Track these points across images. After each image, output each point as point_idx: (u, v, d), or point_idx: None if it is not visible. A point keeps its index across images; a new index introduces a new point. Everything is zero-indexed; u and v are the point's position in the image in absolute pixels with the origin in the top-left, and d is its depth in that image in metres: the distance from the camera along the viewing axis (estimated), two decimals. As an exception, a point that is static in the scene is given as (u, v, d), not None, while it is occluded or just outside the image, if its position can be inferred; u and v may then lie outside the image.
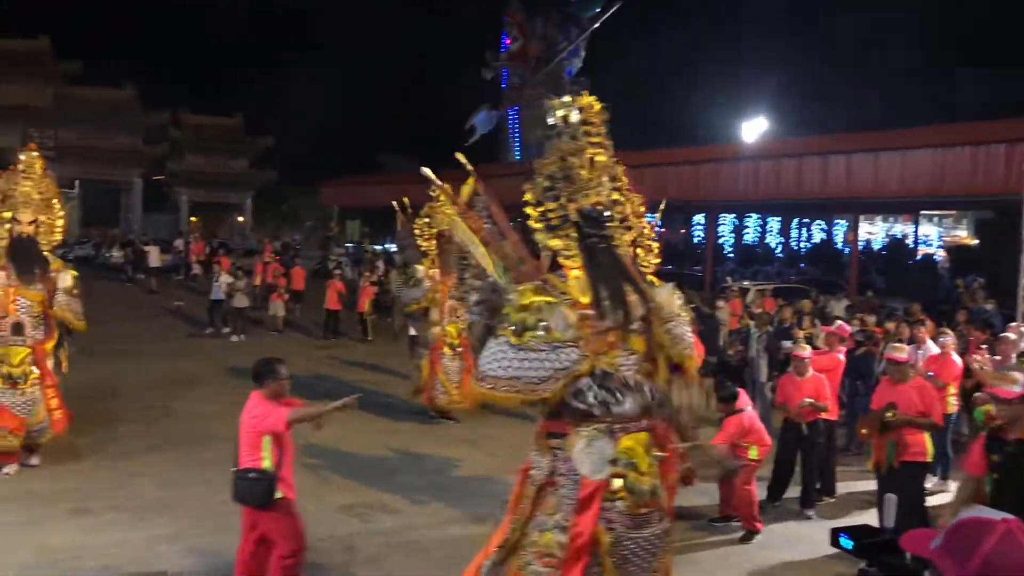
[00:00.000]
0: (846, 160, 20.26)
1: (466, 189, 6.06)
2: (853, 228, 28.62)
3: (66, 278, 9.55)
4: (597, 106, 5.28)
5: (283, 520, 5.99)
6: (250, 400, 6.18)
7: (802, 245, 48.54)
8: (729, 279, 24.21)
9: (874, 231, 46.13)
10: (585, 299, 4.91)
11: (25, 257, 9.28)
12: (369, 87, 58.07)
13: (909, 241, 40.31)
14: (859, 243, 29.50)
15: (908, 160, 18.94)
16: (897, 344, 9.06)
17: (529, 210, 5.21)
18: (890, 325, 13.61)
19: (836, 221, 46.69)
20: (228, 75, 57.06)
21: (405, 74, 57.56)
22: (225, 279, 20.64)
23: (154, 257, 31.49)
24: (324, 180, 48.23)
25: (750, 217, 46.68)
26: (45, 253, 9.55)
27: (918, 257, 37.10)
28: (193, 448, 10.54)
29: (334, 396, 13.00)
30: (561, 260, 5.14)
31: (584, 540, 4.68)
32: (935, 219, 43.99)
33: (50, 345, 9.46)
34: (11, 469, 9.13)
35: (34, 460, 9.41)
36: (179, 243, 36.26)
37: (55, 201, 9.71)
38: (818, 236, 49.29)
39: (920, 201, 27.04)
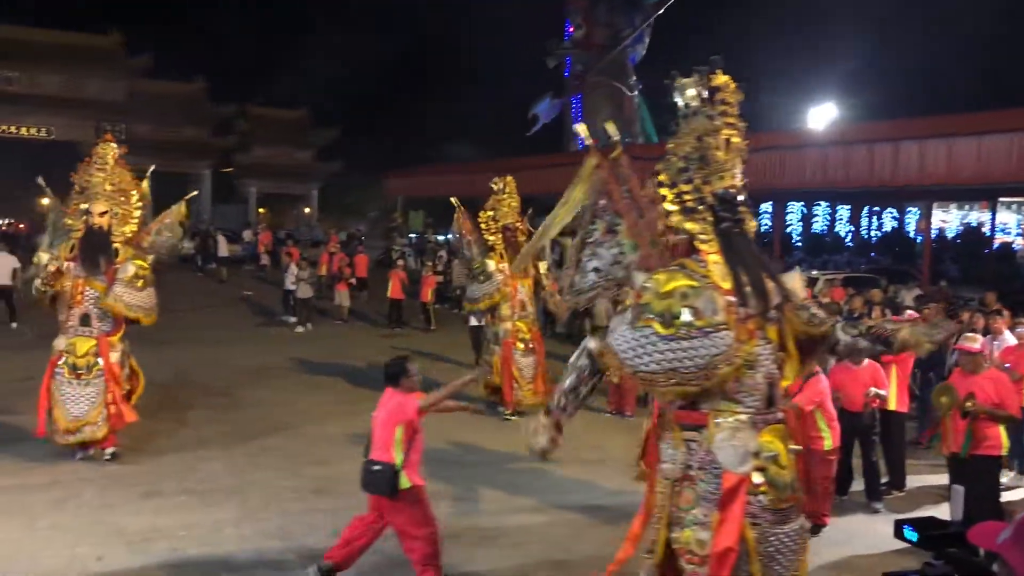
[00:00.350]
0: (919, 146, 19.69)
1: (589, 163, 5.81)
2: (926, 216, 27.83)
3: (127, 268, 9.34)
4: (732, 85, 5.12)
5: (408, 510, 6.19)
6: (384, 395, 6.43)
7: (873, 234, 47.48)
8: (799, 268, 23.79)
9: (948, 219, 44.90)
10: (726, 285, 4.79)
11: (94, 248, 9.30)
12: (432, 77, 58.35)
13: (986, 229, 39.10)
14: (932, 231, 28.67)
15: (984, 145, 18.33)
16: (970, 334, 8.77)
17: (663, 191, 5.09)
18: (964, 315, 13.22)
19: (908, 209, 45.57)
20: (294, 67, 57.88)
21: (468, 63, 57.66)
22: (293, 269, 20.96)
23: (223, 247, 32.16)
24: (388, 171, 48.65)
25: (819, 205, 45.83)
26: (117, 244, 9.49)
27: (995, 246, 35.96)
28: (260, 435, 10.75)
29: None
30: (697, 244, 4.99)
31: (733, 537, 4.55)
32: (1013, 206, 42.60)
33: (116, 337, 9.46)
34: (83, 455, 9.32)
35: (107, 452, 9.42)
36: (247, 234, 36.93)
37: (132, 191, 9.68)
38: (889, 224, 48.17)
39: (997, 187, 26.18)
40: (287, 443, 10.43)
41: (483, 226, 12.56)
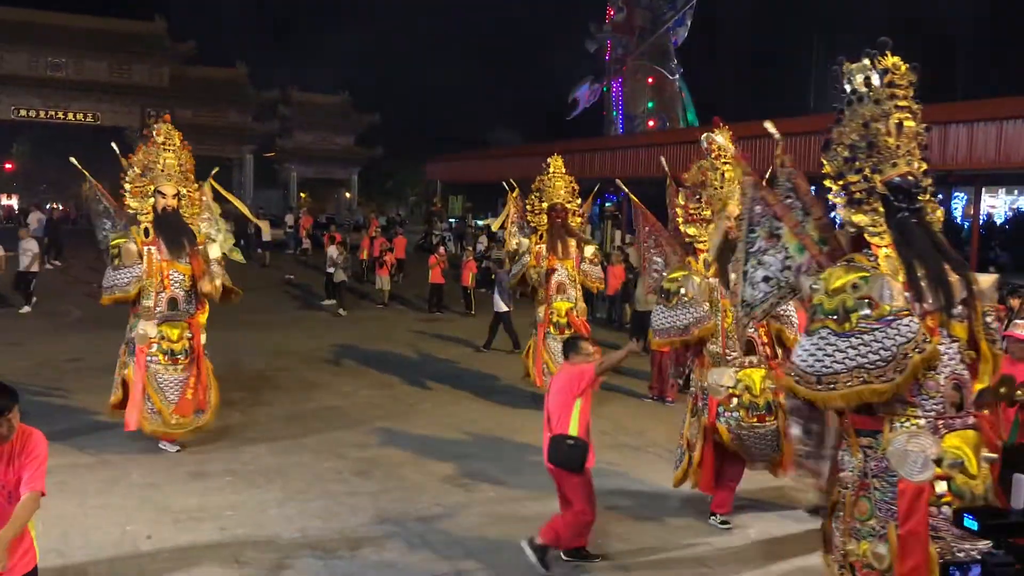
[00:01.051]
0: (968, 129, 19.29)
1: (739, 172, 6.09)
2: (975, 201, 27.31)
3: (215, 248, 9.36)
4: (904, 67, 4.83)
5: (584, 487, 6.56)
6: (560, 370, 6.97)
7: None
8: (991, 269, 23.48)
9: (996, 204, 44.00)
10: (899, 279, 4.52)
11: (174, 230, 9.09)
12: (472, 61, 58.26)
13: (1035, 214, 38.25)
14: (980, 217, 28.13)
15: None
16: (1019, 321, 8.59)
17: (828, 183, 4.88)
18: (1014, 302, 12.94)
19: (955, 194, 44.71)
20: (336, 52, 58.09)
21: (508, 47, 57.50)
22: (332, 252, 21.10)
23: (266, 232, 32.38)
24: (428, 156, 48.72)
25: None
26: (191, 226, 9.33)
27: (1044, 231, 35.17)
28: (302, 418, 10.87)
29: (439, 376, 13.15)
30: (868, 238, 4.75)
31: (920, 554, 4.28)
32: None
33: (203, 318, 9.41)
34: (170, 447, 9.18)
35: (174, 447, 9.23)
36: (289, 218, 37.18)
37: (192, 174, 9.47)
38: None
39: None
40: (329, 426, 10.53)
41: (528, 207, 12.27)
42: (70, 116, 43.92)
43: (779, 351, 7.56)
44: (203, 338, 9.40)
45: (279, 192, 52.23)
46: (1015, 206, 43.75)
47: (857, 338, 4.37)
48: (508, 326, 16.23)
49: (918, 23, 40.06)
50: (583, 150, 34.38)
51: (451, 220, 44.49)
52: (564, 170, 12.25)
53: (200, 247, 9.23)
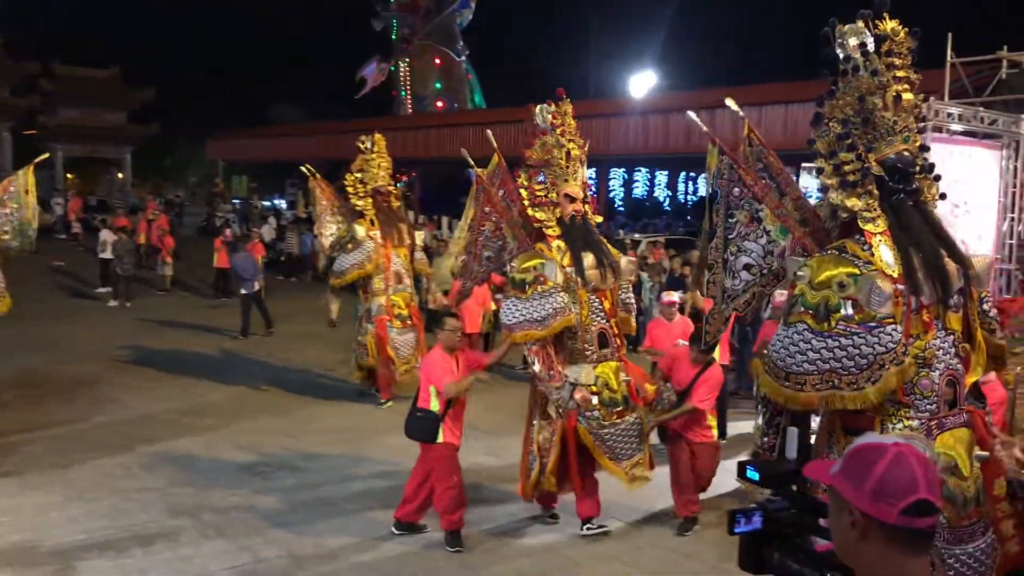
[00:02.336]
0: (732, 113, 20.73)
1: (712, 153, 5.28)
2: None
3: None
4: (903, 32, 4.38)
5: (442, 460, 6.71)
6: (432, 350, 7.02)
7: (689, 198, 49.64)
8: (621, 232, 24.63)
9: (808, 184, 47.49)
10: (894, 271, 4.17)
11: None
12: (256, 37, 56.20)
13: (793, 192, 41.69)
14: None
15: (791, 113, 19.54)
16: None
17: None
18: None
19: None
20: (105, 24, 54.36)
21: (293, 24, 55.85)
22: (103, 236, 19.83)
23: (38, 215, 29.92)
24: (209, 134, 46.67)
25: (639, 171, 47.44)
26: None
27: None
28: (83, 414, 10.27)
29: (228, 364, 12.75)
30: (861, 224, 4.30)
31: None
32: (813, 172, 45.58)
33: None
34: None
35: None
36: (58, 201, 34.48)
37: None
38: (704, 189, 50.48)
39: (802, 153, 27.93)
40: (113, 421, 10.00)
41: (349, 190, 11.30)
42: None
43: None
44: None
45: (44, 173, 48.39)
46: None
47: (834, 340, 4.06)
48: (261, 306, 15.93)
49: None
50: (372, 129, 34.13)
51: (235, 201, 42.90)
52: (387, 150, 11.48)
53: None
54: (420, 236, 11.68)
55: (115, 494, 7.64)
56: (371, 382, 11.33)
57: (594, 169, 33.19)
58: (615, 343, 7.25)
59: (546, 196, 7.18)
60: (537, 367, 6.86)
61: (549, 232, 7.15)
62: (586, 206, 7.31)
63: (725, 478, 7.57)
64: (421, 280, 12.16)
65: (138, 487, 7.85)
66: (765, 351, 4.44)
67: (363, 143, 11.42)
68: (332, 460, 8.80)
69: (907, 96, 4.34)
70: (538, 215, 7.17)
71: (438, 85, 46.71)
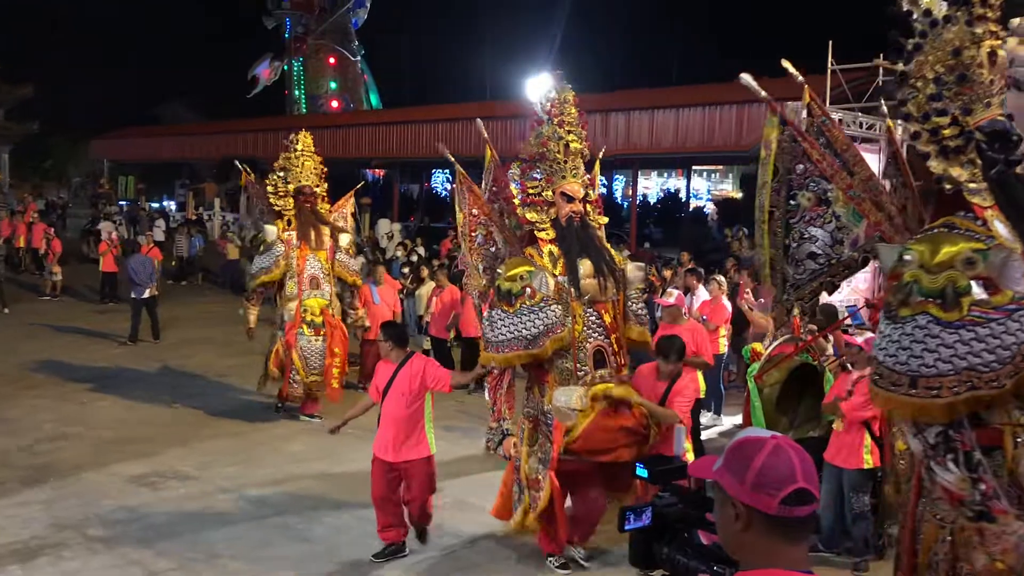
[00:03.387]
0: (625, 117, 21.17)
1: (772, 123, 4.72)
2: (632, 183, 30.00)
3: None
4: None
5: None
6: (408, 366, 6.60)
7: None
8: (518, 233, 24.78)
9: (650, 185, 48.47)
10: (1017, 247, 3.60)
11: None
12: (145, 33, 54.42)
13: (682, 195, 42.72)
14: (637, 197, 31.00)
15: (682, 117, 20.06)
16: (670, 289, 9.78)
17: (914, 126, 3.82)
18: (667, 273, 14.50)
19: (616, 176, 48.73)
20: (-25, 16, 51.69)
21: (183, 20, 54.24)
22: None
23: None
24: (93, 133, 44.95)
25: (537, 172, 47.85)
26: None
27: (690, 209, 39.40)
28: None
29: (117, 371, 12.33)
30: (968, 196, 3.73)
31: None
32: (704, 174, 46.80)
33: None
34: None
35: None
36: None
37: None
38: (599, 190, 51.20)
39: (692, 156, 28.69)
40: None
41: (270, 189, 10.81)
42: None
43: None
44: None
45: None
46: (665, 187, 48.45)
47: (969, 330, 3.40)
48: (152, 312, 15.49)
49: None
50: (264, 129, 33.48)
51: (121, 203, 41.42)
52: (313, 148, 11.00)
53: None
54: (346, 240, 11.04)
55: (-7, 510, 7.30)
56: (281, 395, 10.67)
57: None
58: (615, 362, 6.29)
59: (539, 195, 6.33)
60: (486, 394, 6.54)
61: (542, 235, 6.34)
62: (588, 206, 6.53)
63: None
64: (347, 288, 11.35)
65: (18, 502, 7.51)
66: (871, 360, 3.80)
67: (290, 141, 10.97)
68: (224, 469, 8.61)
69: (1000, 52, 3.77)
70: (529, 215, 6.35)
71: (333, 85, 46.19)
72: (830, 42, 12.85)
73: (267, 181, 10.86)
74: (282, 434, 9.86)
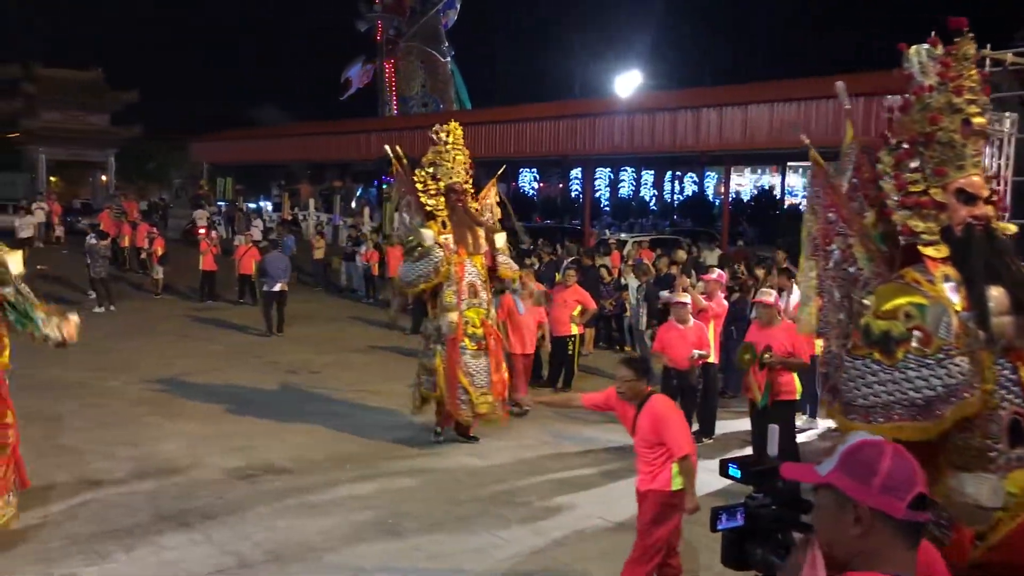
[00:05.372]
0: (718, 113, 20.84)
1: (815, 170, 4.60)
2: (724, 180, 29.51)
3: None
4: (973, 52, 4.14)
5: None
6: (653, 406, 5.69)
7: (675, 197, 49.80)
8: (608, 232, 24.69)
9: (742, 183, 47.67)
10: (957, 305, 3.89)
11: None
12: (240, 38, 56.08)
13: (776, 192, 41.88)
14: (729, 194, 30.49)
15: (776, 113, 19.63)
16: (766, 289, 9.54)
17: (885, 180, 4.17)
18: (760, 272, 14.20)
19: (707, 173, 48.08)
20: (86, 25, 54.09)
21: (278, 25, 55.73)
22: (91, 241, 19.71)
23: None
24: (193, 135, 46.53)
25: (625, 171, 47.56)
26: None
27: (785, 207, 38.59)
28: (60, 418, 10.18)
29: (215, 367, 12.68)
30: (921, 248, 4.06)
31: None
32: (800, 170, 45.79)
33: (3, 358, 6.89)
34: None
35: None
36: (41, 205, 34.24)
37: None
38: (690, 188, 50.66)
39: (787, 153, 28.08)
40: (102, 425, 9.91)
41: (419, 187, 9.68)
42: None
43: None
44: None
45: (25, 176, 48.11)
46: (759, 184, 47.57)
47: (901, 372, 3.83)
48: (281, 308, 16.04)
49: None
50: (357, 131, 34.05)
51: (220, 203, 42.78)
52: (463, 142, 9.92)
53: None
54: (501, 240, 9.94)
55: (99, 499, 7.58)
56: (441, 417, 9.63)
57: (580, 168, 32.83)
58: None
59: (925, 193, 4.25)
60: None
61: (929, 252, 4.18)
62: (988, 208, 4.25)
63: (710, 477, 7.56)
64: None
65: (124, 491, 7.79)
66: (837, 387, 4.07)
67: (436, 133, 9.87)
68: (318, 463, 8.77)
69: (978, 120, 4.07)
70: (912, 223, 4.25)
71: (423, 86, 46.70)
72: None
73: (415, 178, 9.76)
74: (371, 428, 9.99)
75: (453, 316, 9.32)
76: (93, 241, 19.22)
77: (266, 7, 55.63)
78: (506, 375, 9.73)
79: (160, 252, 21.42)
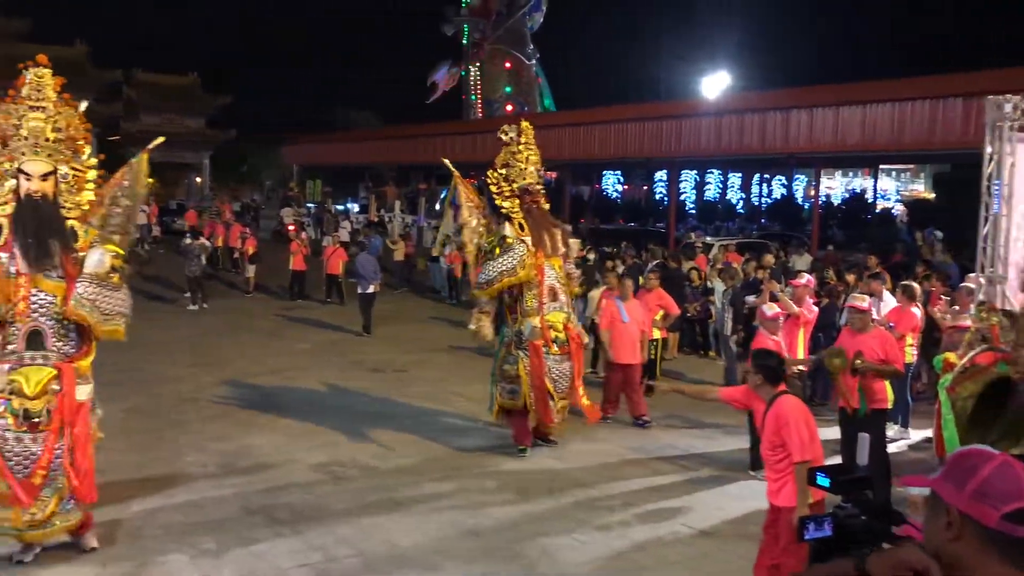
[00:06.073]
0: (808, 114, 20.40)
1: None
2: (815, 182, 28.86)
3: (99, 258, 6.19)
4: None
5: None
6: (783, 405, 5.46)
7: (763, 200, 48.94)
8: (693, 235, 24.40)
9: (833, 186, 46.57)
10: None
11: (40, 228, 6.12)
12: (330, 43, 57.21)
13: (868, 195, 40.81)
14: (820, 198, 29.80)
15: (869, 114, 19.12)
16: (858, 294, 9.24)
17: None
18: (850, 277, 13.84)
19: (796, 176, 47.14)
20: (184, 31, 55.90)
21: (365, 30, 56.71)
22: (185, 240, 20.38)
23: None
24: (284, 138, 47.68)
25: (711, 173, 46.95)
26: (72, 221, 6.36)
27: (877, 211, 37.60)
28: (157, 413, 10.54)
29: (302, 365, 12.89)
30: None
31: None
32: (893, 173, 44.54)
33: (85, 363, 6.35)
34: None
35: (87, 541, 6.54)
36: (143, 207, 35.59)
37: (82, 142, 6.52)
38: (778, 191, 49.73)
39: (879, 155, 27.35)
40: (187, 419, 10.24)
41: (492, 189, 9.50)
42: None
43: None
44: (85, 391, 6.32)
45: (125, 177, 49.95)
46: (850, 187, 46.40)
47: None
48: (369, 309, 16.40)
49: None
50: (442, 133, 34.39)
51: (309, 205, 43.73)
52: (535, 141, 9.66)
53: (79, 253, 6.24)
54: (576, 245, 9.70)
55: (190, 491, 7.82)
56: (518, 431, 9.27)
57: (665, 171, 32.60)
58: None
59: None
60: None
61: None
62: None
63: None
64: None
65: (214, 485, 8.02)
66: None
67: (506, 132, 9.60)
68: (401, 461, 8.88)
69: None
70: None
71: (508, 89, 46.93)
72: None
73: (489, 180, 9.54)
74: (454, 429, 10.07)
75: (535, 321, 9.06)
76: (188, 241, 19.91)
77: (355, 13, 56.63)
78: (581, 383, 9.37)
79: (251, 251, 21.97)
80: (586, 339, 10.85)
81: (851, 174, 47.28)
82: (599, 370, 13.09)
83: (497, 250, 9.12)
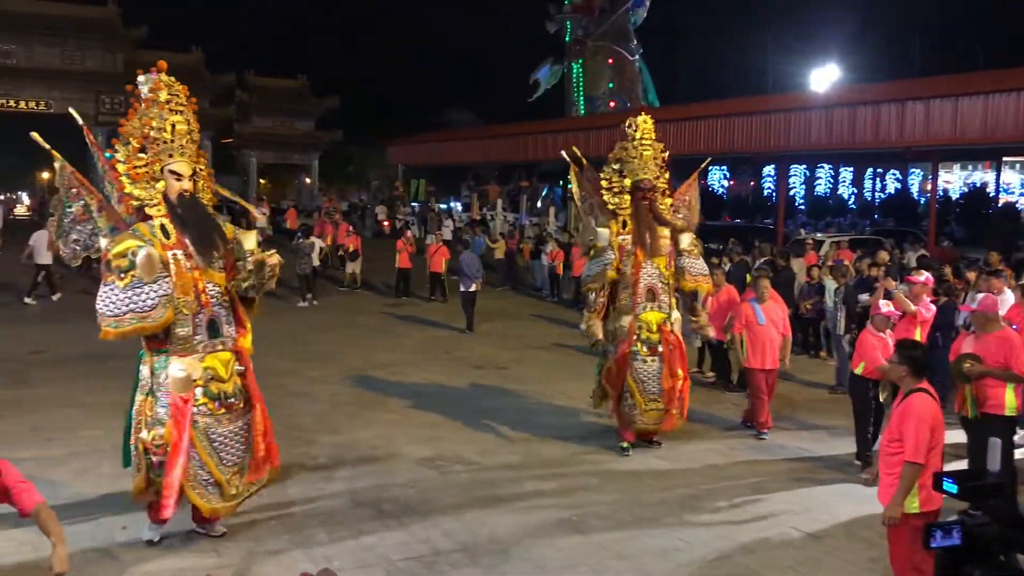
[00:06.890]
0: (925, 106, 19.62)
1: None
2: (932, 176, 27.73)
3: (250, 239, 6.86)
4: None
5: None
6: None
7: (877, 195, 47.36)
8: (803, 232, 23.78)
9: (951, 180, 44.71)
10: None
11: (201, 225, 6.63)
12: (431, 42, 57.98)
13: (990, 189, 39.01)
14: (937, 192, 28.62)
15: (990, 104, 18.26)
16: (973, 295, 8.83)
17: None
18: (970, 275, 13.24)
19: (911, 170, 45.45)
20: (293, 35, 57.49)
21: (467, 29, 57.25)
22: (297, 239, 20.96)
23: (260, 218, 31.91)
24: (388, 139, 48.53)
25: (822, 168, 45.69)
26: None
27: (999, 205, 35.90)
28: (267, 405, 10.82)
29: (407, 361, 13.05)
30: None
31: None
32: (1017, 166, 42.48)
33: (247, 341, 6.88)
34: (215, 530, 6.89)
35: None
36: (264, 210, 36.58)
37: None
38: (892, 186, 48.01)
39: (1002, 147, 26.11)
40: (298, 413, 10.50)
41: (603, 184, 9.38)
42: (21, 104, 43.08)
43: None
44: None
45: (238, 178, 51.71)
46: (969, 181, 44.47)
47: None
48: (471, 306, 16.61)
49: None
50: (545, 131, 34.40)
51: (413, 204, 44.39)
52: (654, 135, 9.39)
53: (232, 244, 6.79)
54: (687, 240, 9.33)
55: (303, 482, 8.03)
56: (621, 427, 9.26)
57: (773, 165, 31.90)
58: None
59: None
60: None
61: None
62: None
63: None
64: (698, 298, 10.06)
65: (323, 476, 8.22)
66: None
67: (629, 126, 9.39)
68: (506, 457, 8.92)
69: None
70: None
71: (611, 85, 46.58)
72: None
73: (601, 175, 9.44)
74: (555, 427, 10.05)
75: (626, 320, 9.04)
76: (300, 239, 20.50)
77: (458, 13, 57.24)
78: (680, 383, 9.08)
79: (351, 248, 22.44)
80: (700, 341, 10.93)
81: (971, 167, 45.29)
82: (704, 370, 12.91)
83: (591, 252, 9.34)
